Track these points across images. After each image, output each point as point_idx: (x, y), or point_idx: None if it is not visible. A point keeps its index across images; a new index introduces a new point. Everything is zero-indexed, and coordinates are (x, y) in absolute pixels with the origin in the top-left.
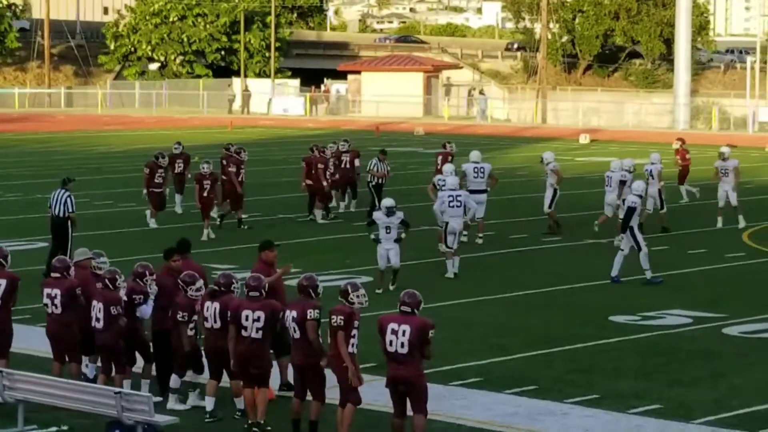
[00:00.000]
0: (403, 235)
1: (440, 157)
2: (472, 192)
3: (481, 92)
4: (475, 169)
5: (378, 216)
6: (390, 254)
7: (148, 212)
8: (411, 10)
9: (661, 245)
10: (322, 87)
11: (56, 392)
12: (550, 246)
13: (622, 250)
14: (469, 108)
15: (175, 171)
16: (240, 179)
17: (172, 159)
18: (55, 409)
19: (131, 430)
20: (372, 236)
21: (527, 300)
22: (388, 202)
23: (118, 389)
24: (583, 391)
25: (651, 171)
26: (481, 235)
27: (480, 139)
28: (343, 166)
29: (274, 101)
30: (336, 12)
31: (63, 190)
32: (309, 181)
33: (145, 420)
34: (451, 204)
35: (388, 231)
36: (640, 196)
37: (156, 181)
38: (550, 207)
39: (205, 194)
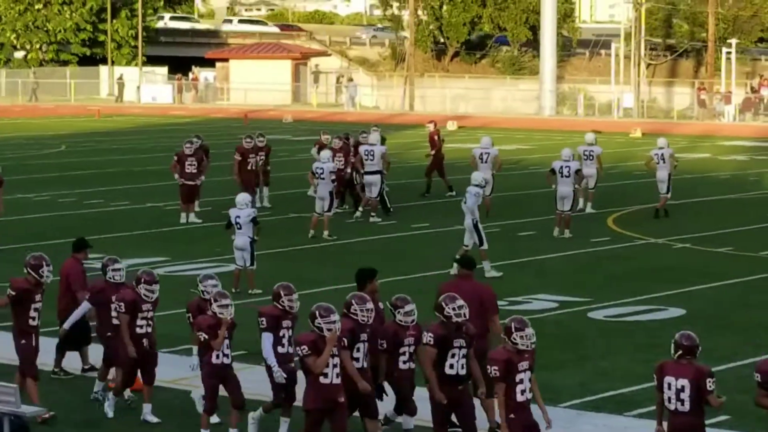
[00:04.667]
0: (256, 237)
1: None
2: (365, 173)
3: (350, 79)
4: (366, 152)
5: (231, 210)
6: (244, 255)
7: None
8: None
9: (527, 230)
10: (191, 75)
11: None
12: (420, 232)
13: None
14: (338, 95)
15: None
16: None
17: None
18: None
19: None
20: (233, 237)
21: (397, 286)
22: (241, 197)
23: None
24: None
25: (591, 152)
26: (373, 213)
27: (349, 127)
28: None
29: (143, 89)
30: None
31: None
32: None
33: (12, 411)
34: (463, 200)
35: (239, 227)
36: None
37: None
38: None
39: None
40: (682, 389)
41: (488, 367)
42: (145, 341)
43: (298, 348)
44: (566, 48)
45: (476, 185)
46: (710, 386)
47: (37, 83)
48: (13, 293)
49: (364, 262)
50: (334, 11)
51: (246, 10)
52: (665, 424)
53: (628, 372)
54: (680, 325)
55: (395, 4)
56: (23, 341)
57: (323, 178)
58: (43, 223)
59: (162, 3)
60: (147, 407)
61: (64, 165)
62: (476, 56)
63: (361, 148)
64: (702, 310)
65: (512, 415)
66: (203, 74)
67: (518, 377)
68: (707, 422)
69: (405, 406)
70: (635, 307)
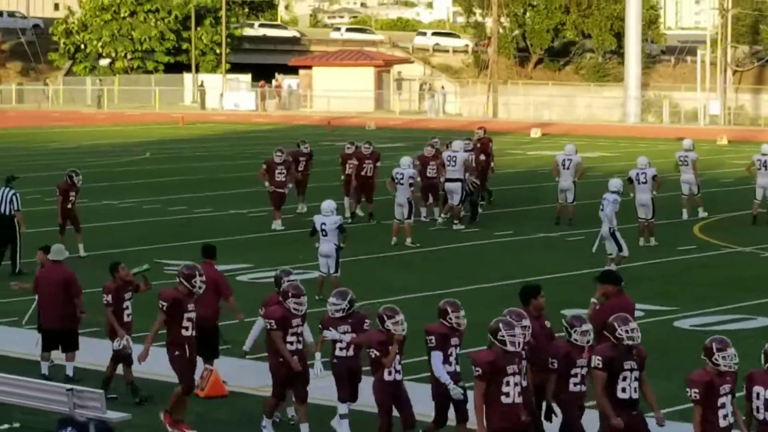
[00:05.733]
0: (342, 245)
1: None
2: (447, 180)
3: (443, 87)
4: (449, 158)
5: (315, 217)
6: (329, 262)
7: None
8: (362, 4)
9: None
10: (274, 82)
11: (7, 389)
12: (503, 240)
13: None
14: (421, 102)
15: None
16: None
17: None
18: (7, 406)
19: (83, 426)
20: (317, 245)
21: (481, 294)
22: (326, 204)
23: (70, 386)
24: None
25: (686, 158)
26: (456, 221)
27: (432, 134)
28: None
29: (226, 96)
30: (287, 7)
31: (8, 189)
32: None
33: (97, 417)
34: (600, 207)
35: (324, 234)
36: None
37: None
38: None
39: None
40: None
41: (687, 389)
42: (296, 359)
43: (473, 367)
44: (651, 55)
45: (614, 192)
46: None
47: (102, 90)
48: (165, 304)
49: (446, 269)
50: (417, 18)
51: (329, 17)
52: None
53: None
54: None
55: (478, 11)
56: (176, 353)
57: (402, 184)
58: (127, 230)
59: (246, 11)
60: (304, 428)
61: (148, 172)
62: (560, 63)
63: (444, 154)
64: None
65: None
66: (286, 81)
67: (720, 401)
68: None
69: (572, 429)
70: (722, 317)
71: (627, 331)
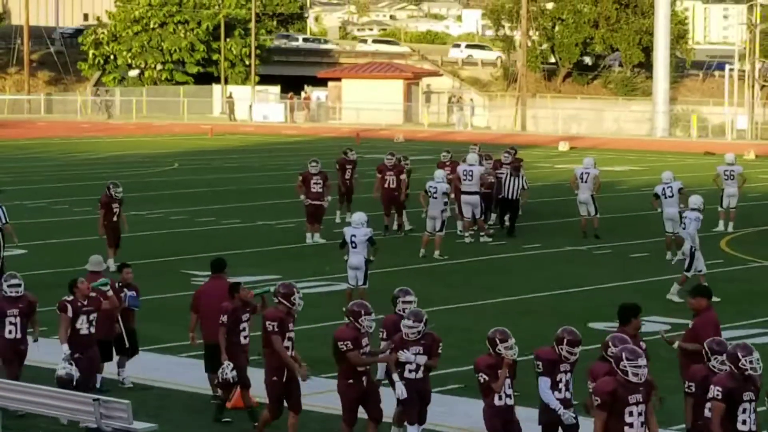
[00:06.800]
0: (372, 258)
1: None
2: (463, 193)
3: (471, 99)
4: (464, 172)
5: (345, 229)
6: (358, 274)
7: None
8: (391, 17)
9: (640, 252)
10: (303, 94)
11: (34, 399)
12: (531, 252)
13: None
14: (449, 115)
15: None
16: (390, 185)
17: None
18: (33, 416)
19: None
20: (345, 257)
21: (508, 306)
22: (357, 217)
23: (96, 396)
24: None
25: (732, 172)
26: (482, 233)
27: (460, 147)
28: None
29: (255, 108)
30: (316, 19)
31: None
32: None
33: (124, 427)
34: (681, 225)
35: (354, 246)
36: None
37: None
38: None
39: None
40: None
41: None
42: (364, 379)
43: (593, 396)
44: (679, 69)
45: (696, 209)
46: None
47: (112, 101)
48: (274, 324)
49: (474, 282)
50: (446, 31)
51: (358, 29)
52: None
53: None
54: None
55: (507, 25)
56: (274, 378)
57: (436, 198)
58: (154, 241)
59: (275, 23)
60: None
61: (176, 183)
62: (588, 77)
63: (459, 168)
64: None
65: None
66: (315, 93)
67: None
68: None
69: None
70: (750, 330)
71: (751, 362)
